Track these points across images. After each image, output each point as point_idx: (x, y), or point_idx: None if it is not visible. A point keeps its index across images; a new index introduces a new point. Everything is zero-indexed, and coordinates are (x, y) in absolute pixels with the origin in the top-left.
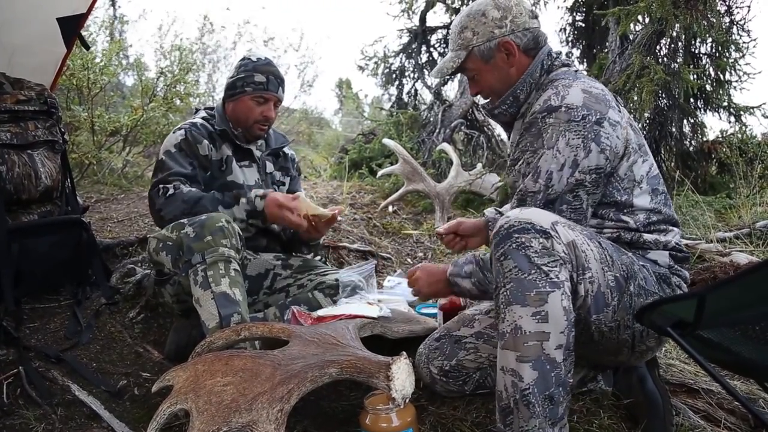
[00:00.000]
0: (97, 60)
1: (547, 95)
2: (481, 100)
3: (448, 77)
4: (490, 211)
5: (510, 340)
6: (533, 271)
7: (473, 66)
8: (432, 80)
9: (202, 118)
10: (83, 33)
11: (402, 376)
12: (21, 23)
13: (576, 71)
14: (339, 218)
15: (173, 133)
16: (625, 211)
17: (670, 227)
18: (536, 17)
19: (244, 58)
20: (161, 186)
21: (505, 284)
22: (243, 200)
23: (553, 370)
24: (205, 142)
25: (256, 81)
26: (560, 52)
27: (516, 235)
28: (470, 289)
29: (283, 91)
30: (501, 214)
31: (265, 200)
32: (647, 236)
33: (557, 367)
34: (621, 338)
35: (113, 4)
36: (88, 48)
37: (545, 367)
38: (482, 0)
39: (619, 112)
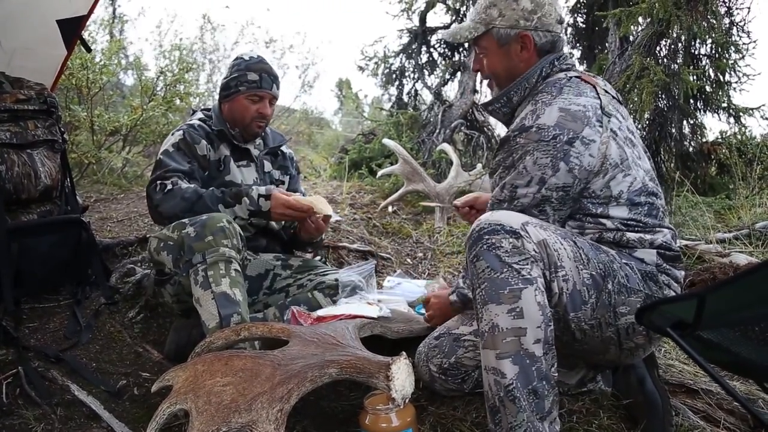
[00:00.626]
0: (97, 59)
1: (525, 113)
2: (480, 99)
3: (445, 80)
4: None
5: (489, 338)
6: (505, 270)
7: (486, 45)
8: (432, 80)
9: (199, 119)
10: (83, 33)
11: (402, 376)
12: (20, 26)
13: (570, 78)
14: (339, 218)
15: (171, 135)
16: (602, 219)
17: (657, 228)
18: (561, 23)
19: (237, 58)
20: (159, 182)
21: (479, 285)
22: (245, 199)
23: (534, 364)
24: (203, 142)
25: (250, 80)
26: (566, 56)
27: (486, 237)
28: (462, 302)
29: (278, 88)
30: None
31: (271, 201)
32: (630, 234)
33: (537, 361)
34: (605, 336)
35: (113, 3)
36: (89, 50)
37: (525, 361)
38: None
39: (601, 128)
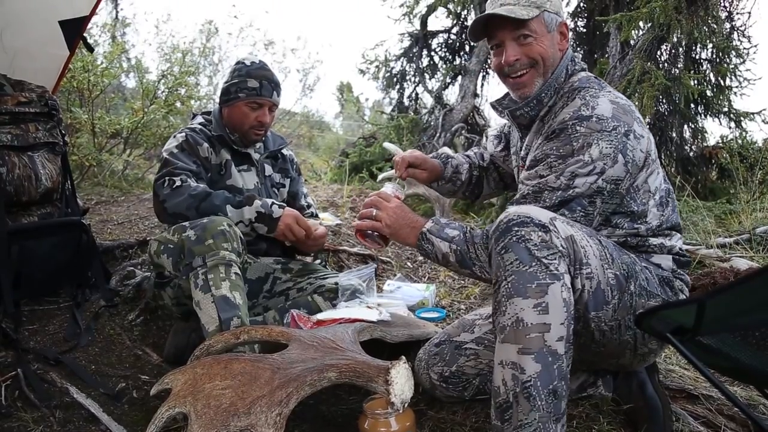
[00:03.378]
0: (98, 62)
1: (577, 105)
2: (481, 102)
3: (445, 83)
4: (445, 149)
5: (511, 332)
6: (533, 264)
7: (537, 28)
8: (433, 84)
9: (200, 123)
10: (85, 35)
11: (401, 380)
12: (23, 27)
13: (597, 78)
14: (339, 222)
15: (173, 137)
16: (638, 221)
17: (674, 232)
18: None
19: (238, 63)
20: (167, 178)
21: (506, 277)
22: (257, 202)
23: (556, 362)
24: (205, 145)
25: (250, 86)
26: (579, 57)
27: (516, 229)
28: (445, 253)
29: (278, 95)
30: (450, 156)
31: (284, 210)
32: (652, 240)
33: (559, 359)
34: (623, 339)
35: (115, 7)
36: (91, 50)
37: (548, 359)
38: None
39: (641, 123)
